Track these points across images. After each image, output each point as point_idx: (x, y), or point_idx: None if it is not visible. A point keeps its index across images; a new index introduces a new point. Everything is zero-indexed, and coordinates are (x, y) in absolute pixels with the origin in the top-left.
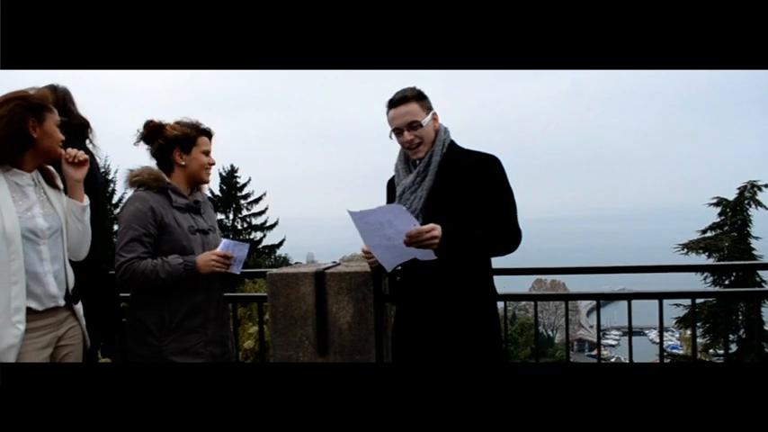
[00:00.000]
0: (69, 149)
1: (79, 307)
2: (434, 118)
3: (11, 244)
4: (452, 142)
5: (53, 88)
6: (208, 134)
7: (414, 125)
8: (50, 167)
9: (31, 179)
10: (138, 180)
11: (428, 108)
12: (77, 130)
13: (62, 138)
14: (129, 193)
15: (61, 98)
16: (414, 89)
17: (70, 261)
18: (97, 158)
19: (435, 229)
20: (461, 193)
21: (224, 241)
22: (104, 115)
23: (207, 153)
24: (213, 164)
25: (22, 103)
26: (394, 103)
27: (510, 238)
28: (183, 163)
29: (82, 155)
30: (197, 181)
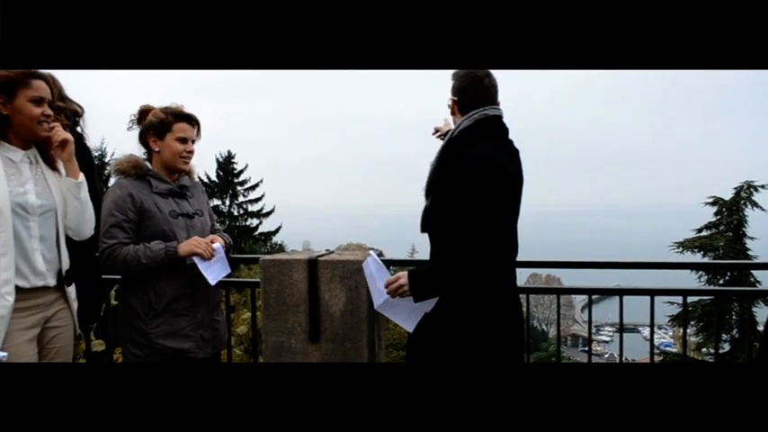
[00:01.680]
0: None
1: (71, 290)
2: (450, 105)
3: (0, 216)
4: (466, 129)
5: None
6: (189, 120)
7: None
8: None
9: (27, 156)
10: (118, 168)
11: (453, 91)
12: (72, 115)
13: (38, 114)
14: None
15: (58, 86)
16: (454, 72)
17: (72, 241)
18: (87, 143)
19: (401, 278)
20: (442, 186)
21: (218, 245)
22: (104, 98)
23: (183, 140)
24: (190, 151)
25: None
26: None
27: (466, 265)
28: (157, 149)
29: (57, 135)
30: (171, 168)
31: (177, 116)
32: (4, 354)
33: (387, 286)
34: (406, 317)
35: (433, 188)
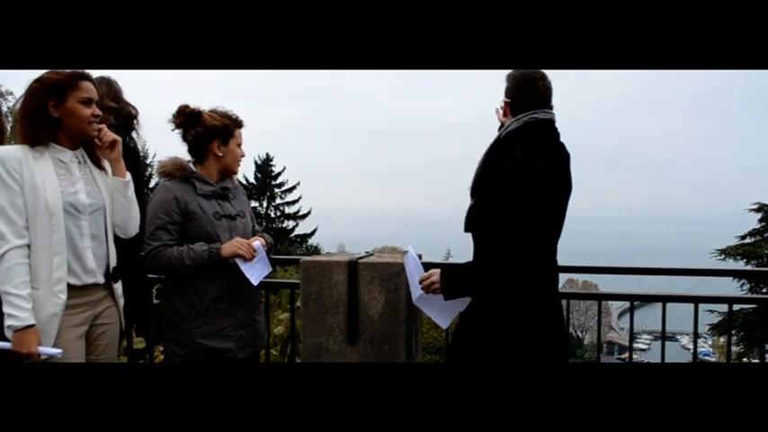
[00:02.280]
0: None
1: (118, 286)
2: (503, 106)
3: (52, 216)
4: (513, 131)
5: (103, 79)
6: (241, 126)
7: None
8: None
9: (75, 157)
10: (163, 171)
11: (506, 93)
12: (125, 119)
13: (88, 115)
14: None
15: (114, 87)
16: (508, 74)
17: (117, 240)
18: (139, 147)
19: (433, 275)
20: (487, 187)
21: (258, 244)
22: (146, 99)
23: (240, 145)
24: (244, 156)
25: (39, 85)
26: None
27: (495, 266)
28: (220, 154)
29: (106, 136)
30: (228, 172)
31: (237, 122)
32: (59, 350)
33: (421, 282)
34: (440, 313)
35: (478, 188)
